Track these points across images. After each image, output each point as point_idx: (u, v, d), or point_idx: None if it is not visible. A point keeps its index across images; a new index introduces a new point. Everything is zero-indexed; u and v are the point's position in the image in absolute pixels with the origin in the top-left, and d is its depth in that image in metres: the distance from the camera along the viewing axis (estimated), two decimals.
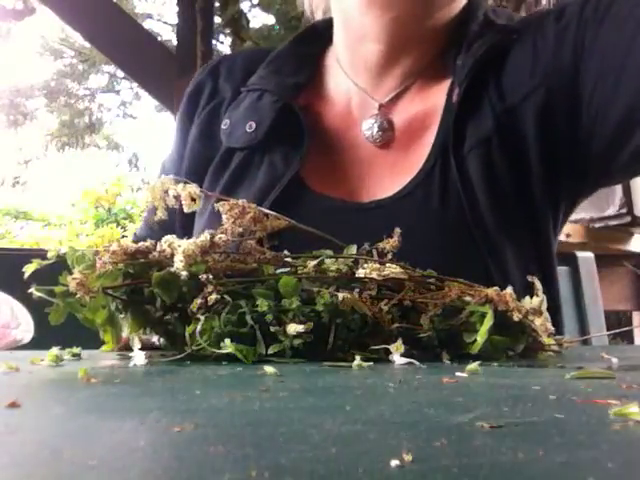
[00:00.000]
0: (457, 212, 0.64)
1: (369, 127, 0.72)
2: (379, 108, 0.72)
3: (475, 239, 0.64)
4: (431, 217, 0.66)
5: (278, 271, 0.55)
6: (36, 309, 0.53)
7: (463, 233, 0.64)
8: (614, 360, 0.46)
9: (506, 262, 0.64)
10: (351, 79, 0.74)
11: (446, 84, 0.71)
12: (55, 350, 0.48)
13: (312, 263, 0.55)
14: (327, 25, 0.78)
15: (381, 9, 0.66)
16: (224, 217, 0.55)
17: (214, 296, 0.50)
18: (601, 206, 2.81)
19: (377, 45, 0.71)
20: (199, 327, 0.49)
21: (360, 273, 0.54)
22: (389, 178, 0.69)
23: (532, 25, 0.69)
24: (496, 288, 0.53)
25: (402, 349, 0.50)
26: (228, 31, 6.38)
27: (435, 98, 0.71)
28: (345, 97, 0.75)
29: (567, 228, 2.77)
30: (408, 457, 0.18)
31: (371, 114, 0.72)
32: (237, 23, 5.75)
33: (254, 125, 0.74)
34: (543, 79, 0.65)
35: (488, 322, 0.51)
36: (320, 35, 0.79)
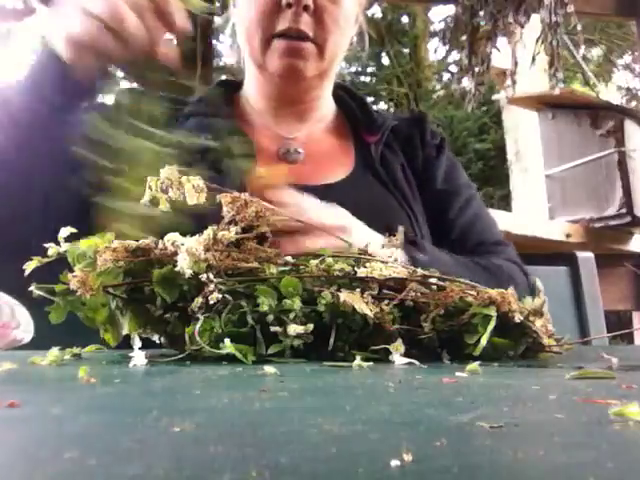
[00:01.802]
0: (387, 189, 0.94)
1: (284, 151, 0.94)
2: (287, 140, 0.96)
3: (402, 206, 0.94)
4: (373, 193, 0.94)
5: (279, 269, 0.55)
6: (36, 309, 0.53)
7: (391, 199, 0.95)
8: (614, 360, 0.46)
9: (415, 213, 0.95)
10: (262, 118, 0.99)
11: (343, 132, 1.01)
12: (55, 350, 0.48)
13: (314, 262, 0.55)
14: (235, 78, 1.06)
15: (276, 101, 0.97)
16: (225, 210, 0.55)
17: (215, 295, 0.50)
18: (601, 206, 2.81)
19: (276, 102, 0.98)
20: (198, 327, 0.49)
21: (361, 272, 0.54)
22: (320, 176, 0.93)
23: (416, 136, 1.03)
24: (501, 290, 0.53)
25: (402, 349, 0.50)
26: (228, 31, 6.36)
27: (336, 140, 1.00)
28: (260, 129, 0.99)
29: (567, 228, 2.77)
30: (408, 457, 0.18)
31: (283, 143, 0.95)
32: None
33: (210, 136, 0.91)
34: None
35: (491, 325, 0.51)
36: (232, 83, 1.04)
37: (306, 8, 0.85)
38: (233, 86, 1.03)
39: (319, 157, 0.96)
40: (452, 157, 1.06)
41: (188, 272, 0.50)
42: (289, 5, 0.85)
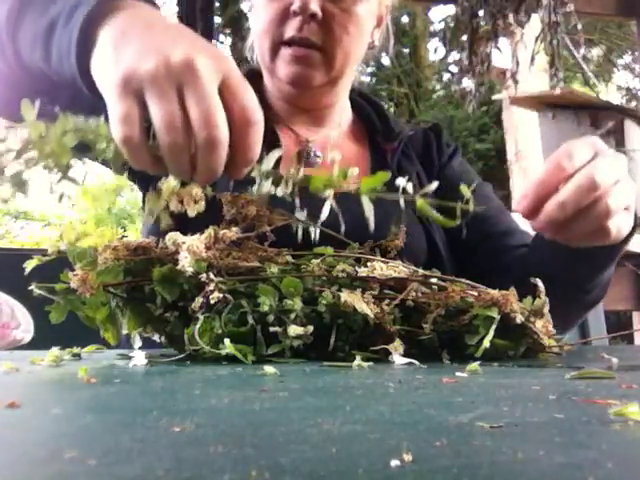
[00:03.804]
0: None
1: (305, 154, 0.92)
2: (306, 142, 0.95)
3: (415, 212, 0.88)
4: (389, 201, 0.92)
5: (280, 269, 0.55)
6: (36, 309, 0.53)
7: (408, 212, 0.92)
8: (614, 360, 0.46)
9: (431, 222, 0.93)
10: (282, 118, 0.98)
11: (360, 138, 1.01)
12: (55, 350, 0.48)
13: (316, 262, 0.55)
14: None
15: (289, 105, 0.96)
16: (225, 208, 0.55)
17: (216, 294, 0.50)
18: None
19: (290, 107, 0.96)
20: (197, 327, 0.49)
21: (362, 272, 0.54)
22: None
23: (428, 142, 1.04)
24: (504, 292, 0.53)
25: (401, 349, 0.50)
26: (228, 31, 6.38)
27: (353, 145, 1.00)
28: (282, 127, 0.97)
29: None
30: (408, 457, 0.18)
31: (303, 145, 0.94)
32: (237, 23, 5.75)
33: None
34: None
35: (493, 326, 0.50)
36: (259, 73, 1.00)
37: (313, 16, 0.85)
38: (260, 76, 1.00)
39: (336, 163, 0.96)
40: (465, 162, 1.07)
41: (189, 270, 0.49)
42: (296, 13, 0.85)
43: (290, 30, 0.85)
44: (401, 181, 0.61)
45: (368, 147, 1.00)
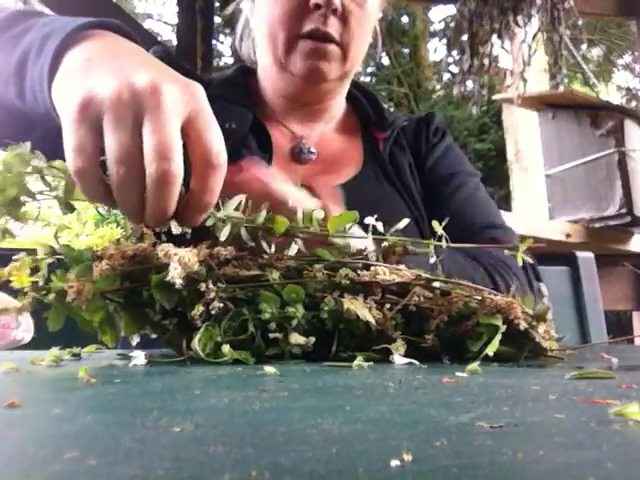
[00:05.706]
0: (395, 188, 0.95)
1: (298, 151, 0.93)
2: (300, 139, 0.95)
3: (409, 206, 0.93)
4: (381, 192, 0.94)
5: (282, 273, 0.54)
6: (35, 309, 0.53)
7: (398, 199, 0.95)
8: (614, 360, 0.46)
9: (422, 214, 0.95)
10: (276, 114, 0.98)
11: (353, 129, 1.02)
12: (55, 350, 0.48)
13: (318, 267, 0.54)
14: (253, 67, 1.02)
15: (292, 101, 0.95)
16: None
17: (216, 304, 0.49)
18: (601, 206, 2.81)
19: (292, 102, 0.96)
20: (198, 338, 0.48)
21: (364, 276, 0.53)
22: (331, 176, 0.92)
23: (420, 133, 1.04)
24: (509, 300, 0.52)
25: (402, 349, 0.50)
26: (228, 31, 6.38)
27: (346, 137, 1.00)
28: (275, 124, 0.97)
29: (567, 228, 2.78)
30: (408, 457, 0.18)
31: (296, 142, 0.95)
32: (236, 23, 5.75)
33: (234, 125, 0.89)
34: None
35: (498, 337, 0.49)
36: (250, 70, 1.01)
37: (334, 11, 0.85)
38: (251, 74, 1.01)
39: (330, 157, 0.95)
40: (453, 146, 1.05)
41: (178, 282, 0.47)
42: (317, 6, 0.84)
43: (311, 23, 0.85)
44: (370, 220, 0.60)
45: (361, 137, 1.00)
